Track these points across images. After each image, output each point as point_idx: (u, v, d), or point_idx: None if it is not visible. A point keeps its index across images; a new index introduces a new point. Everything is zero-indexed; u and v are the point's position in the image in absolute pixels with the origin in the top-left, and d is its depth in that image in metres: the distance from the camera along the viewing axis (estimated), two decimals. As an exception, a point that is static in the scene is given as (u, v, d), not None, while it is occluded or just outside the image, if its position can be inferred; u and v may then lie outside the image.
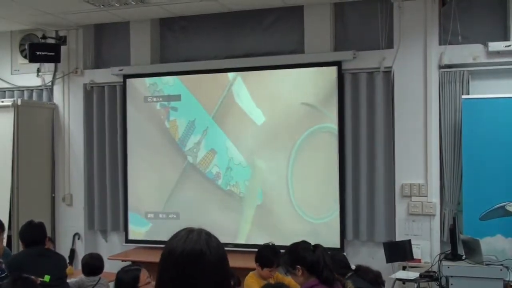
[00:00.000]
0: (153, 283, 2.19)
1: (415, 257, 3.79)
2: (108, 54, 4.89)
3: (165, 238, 1.23)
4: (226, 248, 1.22)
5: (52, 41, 4.78)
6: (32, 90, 5.06)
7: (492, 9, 3.99)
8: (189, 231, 1.18)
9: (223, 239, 1.24)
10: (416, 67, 3.98)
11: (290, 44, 4.38)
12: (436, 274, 3.52)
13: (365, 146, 4.09)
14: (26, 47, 4.69)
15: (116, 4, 4.08)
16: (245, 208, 4.37)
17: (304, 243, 2.24)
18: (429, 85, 3.94)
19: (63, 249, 4.64)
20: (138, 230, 4.61)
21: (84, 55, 4.85)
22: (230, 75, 4.38)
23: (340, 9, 4.28)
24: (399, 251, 3.72)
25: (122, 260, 4.12)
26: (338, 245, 4.04)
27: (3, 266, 3.00)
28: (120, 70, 4.62)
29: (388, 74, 4.05)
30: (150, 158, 4.59)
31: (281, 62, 4.25)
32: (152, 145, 4.59)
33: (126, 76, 4.64)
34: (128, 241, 4.63)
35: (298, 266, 2.19)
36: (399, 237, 3.92)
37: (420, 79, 3.97)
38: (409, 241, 3.76)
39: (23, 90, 5.09)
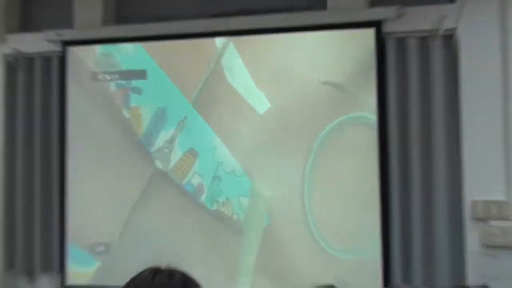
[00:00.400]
0: None
1: (496, 310, 3.02)
2: (41, 13, 4.02)
3: (121, 281, 1.04)
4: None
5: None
6: None
7: None
8: (155, 271, 0.99)
9: (208, 286, 1.04)
10: (491, 29, 3.24)
11: (306, -3, 3.66)
12: None
13: (418, 146, 3.32)
14: None
15: None
16: (241, 237, 3.50)
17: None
18: (510, 55, 3.17)
19: (-30, 298, 3.63)
20: (81, 270, 3.70)
21: (6, 13, 3.95)
22: (218, 42, 3.57)
23: None
24: (472, 302, 3.09)
25: (55, 317, 3.27)
26: (380, 292, 3.24)
27: None
28: (58, 34, 3.72)
29: (449, 39, 3.31)
30: (101, 163, 3.74)
31: (293, 22, 3.49)
32: (103, 144, 3.74)
33: (67, 43, 3.75)
34: (66, 286, 3.69)
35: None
36: (471, 281, 3.19)
37: (497, 47, 3.22)
38: (487, 286, 3.07)
39: None
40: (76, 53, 3.76)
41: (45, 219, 3.75)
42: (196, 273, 0.99)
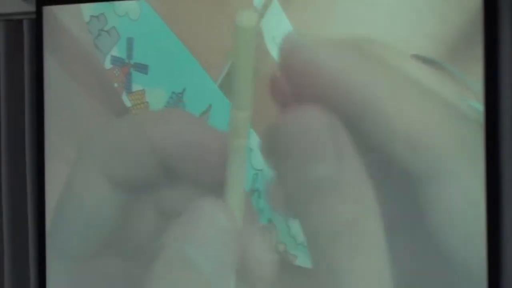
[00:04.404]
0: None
1: None
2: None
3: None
4: None
5: None
6: None
7: None
8: None
9: None
10: None
11: None
12: None
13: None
14: None
15: None
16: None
17: None
18: None
19: None
20: None
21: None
22: (257, -3, 2.85)
23: None
24: None
25: None
26: None
27: None
28: (31, -12, 2.99)
29: None
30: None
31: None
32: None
33: (43, 2, 3.09)
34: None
35: None
36: None
37: None
38: None
39: None
40: (55, 15, 3.05)
41: (19, 234, 3.09)
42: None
